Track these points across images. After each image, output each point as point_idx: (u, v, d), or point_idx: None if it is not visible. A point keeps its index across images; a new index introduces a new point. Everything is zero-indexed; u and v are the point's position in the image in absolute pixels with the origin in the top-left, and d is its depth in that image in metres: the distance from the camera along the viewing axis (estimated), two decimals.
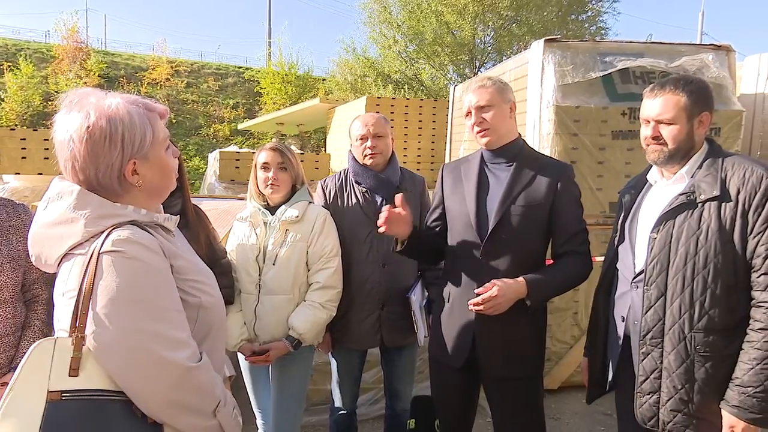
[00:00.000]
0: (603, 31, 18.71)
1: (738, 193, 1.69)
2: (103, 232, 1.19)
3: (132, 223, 1.23)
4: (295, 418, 2.48)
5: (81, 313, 1.14)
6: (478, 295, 1.93)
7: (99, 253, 1.16)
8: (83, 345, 1.15)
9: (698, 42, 8.01)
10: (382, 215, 2.06)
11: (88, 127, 1.19)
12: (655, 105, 1.83)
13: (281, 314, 2.37)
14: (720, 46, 3.95)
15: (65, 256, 1.21)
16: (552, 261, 2.14)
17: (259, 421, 2.61)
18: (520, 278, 1.96)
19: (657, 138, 1.83)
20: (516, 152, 2.11)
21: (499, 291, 1.90)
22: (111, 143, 1.20)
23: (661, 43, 4.02)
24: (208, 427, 1.26)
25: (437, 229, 2.30)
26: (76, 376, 1.14)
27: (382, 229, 2.08)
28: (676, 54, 3.84)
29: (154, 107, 1.32)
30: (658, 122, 1.82)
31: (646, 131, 1.87)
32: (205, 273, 1.40)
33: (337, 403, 2.70)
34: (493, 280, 1.94)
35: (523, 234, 2.03)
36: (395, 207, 2.09)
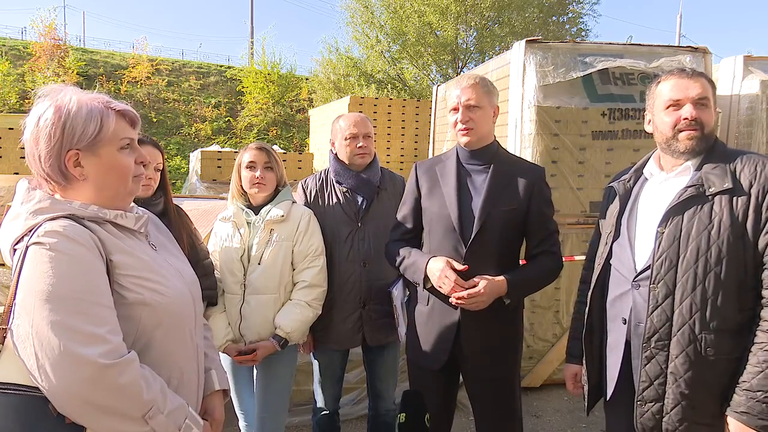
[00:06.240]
0: (583, 33, 19.00)
1: (751, 186, 1.58)
2: (38, 224, 1.19)
3: (70, 216, 1.22)
4: (280, 417, 2.47)
5: (7, 306, 1.14)
6: (464, 289, 1.96)
7: (27, 246, 1.16)
8: (5, 337, 1.14)
9: (676, 44, 8.13)
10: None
11: (39, 116, 1.24)
12: (694, 85, 1.69)
13: (267, 314, 2.36)
14: (697, 48, 4.01)
15: (15, 251, 1.21)
16: (526, 261, 2.17)
17: (241, 423, 2.59)
18: (501, 277, 2.00)
19: (696, 120, 1.67)
20: (492, 155, 2.13)
21: (484, 288, 1.95)
22: (53, 131, 1.23)
23: (640, 44, 4.07)
24: None
25: (409, 226, 2.26)
26: None
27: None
28: (655, 55, 3.89)
29: (114, 105, 1.31)
30: (697, 103, 1.68)
31: (681, 112, 1.69)
32: (162, 272, 1.35)
33: (320, 403, 2.70)
34: (481, 276, 1.98)
35: (504, 237, 2.06)
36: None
